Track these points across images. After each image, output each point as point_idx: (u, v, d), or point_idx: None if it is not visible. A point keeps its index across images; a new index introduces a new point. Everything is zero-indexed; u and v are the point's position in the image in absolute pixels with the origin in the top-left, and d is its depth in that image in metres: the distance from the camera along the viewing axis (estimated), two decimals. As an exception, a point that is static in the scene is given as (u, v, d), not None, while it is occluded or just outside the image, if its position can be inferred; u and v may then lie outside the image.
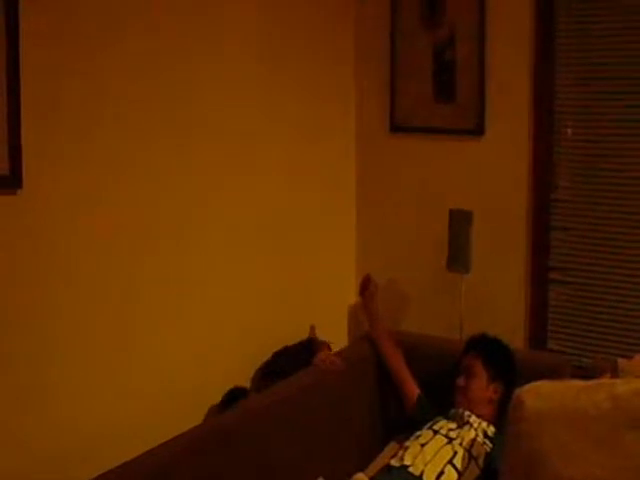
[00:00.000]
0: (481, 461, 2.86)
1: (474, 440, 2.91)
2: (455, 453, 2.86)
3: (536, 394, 2.61)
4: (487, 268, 3.63)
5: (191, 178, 2.96)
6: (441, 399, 3.19)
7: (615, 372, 2.89)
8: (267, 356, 3.28)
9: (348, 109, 3.96)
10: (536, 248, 3.62)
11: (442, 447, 2.88)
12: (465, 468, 2.83)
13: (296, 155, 3.55)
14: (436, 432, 2.96)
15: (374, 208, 3.97)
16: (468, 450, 2.87)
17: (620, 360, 3.01)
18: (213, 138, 3.06)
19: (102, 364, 2.61)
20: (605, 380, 2.67)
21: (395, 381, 3.33)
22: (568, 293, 3.61)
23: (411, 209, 3.88)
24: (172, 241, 2.89)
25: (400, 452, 2.93)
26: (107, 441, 2.59)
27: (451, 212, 3.54)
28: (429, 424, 3.04)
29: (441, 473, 2.80)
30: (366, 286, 3.52)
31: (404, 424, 3.23)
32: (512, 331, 3.58)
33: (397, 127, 3.89)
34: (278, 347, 3.33)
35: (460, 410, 3.05)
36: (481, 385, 3.09)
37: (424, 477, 2.78)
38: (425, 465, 2.81)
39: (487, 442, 2.93)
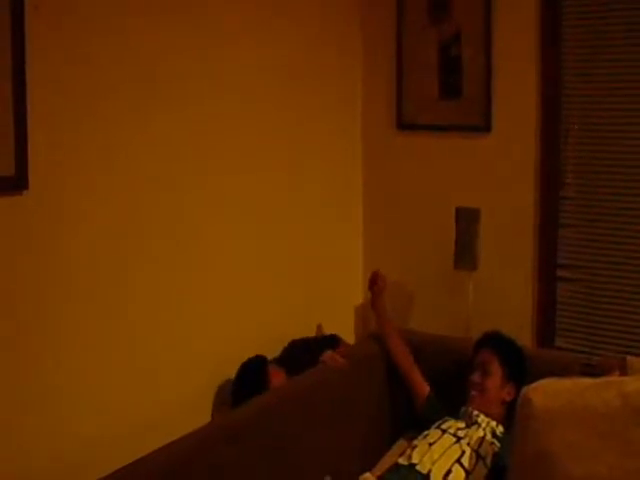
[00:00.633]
0: (489, 461, 2.85)
1: (482, 439, 2.90)
2: (463, 452, 2.85)
3: (544, 392, 2.60)
4: (494, 266, 3.62)
5: (197, 178, 2.96)
6: (450, 398, 3.18)
7: (624, 370, 2.88)
8: (274, 354, 3.27)
9: (355, 107, 3.95)
10: (544, 245, 3.61)
11: (450, 446, 2.87)
12: (473, 467, 2.82)
13: (302, 153, 3.55)
14: (444, 431, 2.96)
15: (381, 206, 3.96)
16: (476, 450, 2.86)
17: (629, 358, 2.99)
18: (218, 138, 3.06)
19: (108, 365, 2.62)
20: (614, 378, 2.66)
21: (404, 379, 3.32)
22: (576, 290, 3.60)
23: (418, 207, 3.87)
24: (178, 241, 2.89)
25: (408, 451, 2.93)
26: (112, 444, 2.59)
27: (458, 210, 3.53)
28: (437, 423, 3.04)
29: (449, 472, 2.80)
30: (375, 281, 3.51)
31: (413, 422, 3.23)
32: (520, 329, 3.56)
33: (404, 124, 3.88)
34: (285, 346, 3.33)
35: (469, 409, 3.04)
36: (496, 384, 3.07)
37: (431, 476, 2.78)
38: (433, 464, 2.81)
39: (495, 442, 2.92)
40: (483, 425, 2.96)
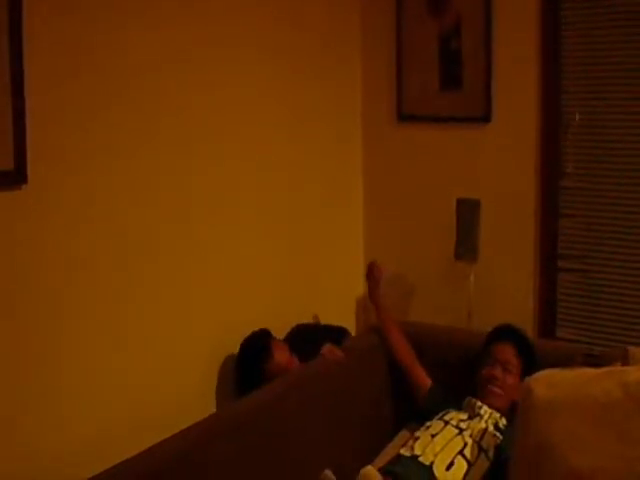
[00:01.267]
0: (491, 453, 2.85)
1: (485, 431, 2.90)
2: (465, 444, 2.85)
3: (546, 383, 2.60)
4: (495, 257, 3.62)
5: (196, 171, 2.96)
6: (450, 389, 3.18)
7: (626, 360, 2.87)
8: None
9: (355, 99, 3.95)
10: (544, 236, 3.61)
11: (452, 438, 2.86)
12: (475, 459, 2.82)
13: (303, 145, 3.55)
14: (447, 423, 2.95)
15: (381, 198, 3.96)
16: (478, 442, 2.86)
17: (631, 348, 2.99)
18: (219, 131, 3.06)
19: (110, 359, 2.62)
20: (615, 368, 2.65)
21: (405, 373, 3.32)
22: (577, 281, 3.60)
23: (418, 198, 3.87)
24: (178, 234, 2.88)
25: (410, 442, 2.92)
26: (111, 439, 2.59)
27: (459, 201, 3.53)
28: (440, 414, 3.03)
29: (451, 464, 2.79)
30: (371, 271, 3.51)
31: (415, 413, 3.23)
32: (521, 320, 3.55)
33: (404, 116, 3.88)
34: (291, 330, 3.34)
35: (473, 400, 3.04)
36: (516, 384, 3.01)
37: (434, 467, 2.77)
38: (435, 455, 2.80)
39: (498, 434, 2.91)
40: (486, 417, 2.96)
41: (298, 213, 3.52)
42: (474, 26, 3.65)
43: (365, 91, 3.96)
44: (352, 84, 3.93)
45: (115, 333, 2.63)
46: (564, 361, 2.92)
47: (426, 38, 3.77)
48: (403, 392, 3.34)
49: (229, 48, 3.09)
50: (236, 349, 3.10)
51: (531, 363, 3.04)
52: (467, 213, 3.51)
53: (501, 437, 2.90)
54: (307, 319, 3.54)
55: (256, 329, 3.12)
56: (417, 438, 2.91)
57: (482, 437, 2.88)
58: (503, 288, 3.65)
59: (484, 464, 2.83)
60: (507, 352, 3.10)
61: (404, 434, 3.22)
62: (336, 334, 3.42)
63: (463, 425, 2.91)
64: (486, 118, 3.66)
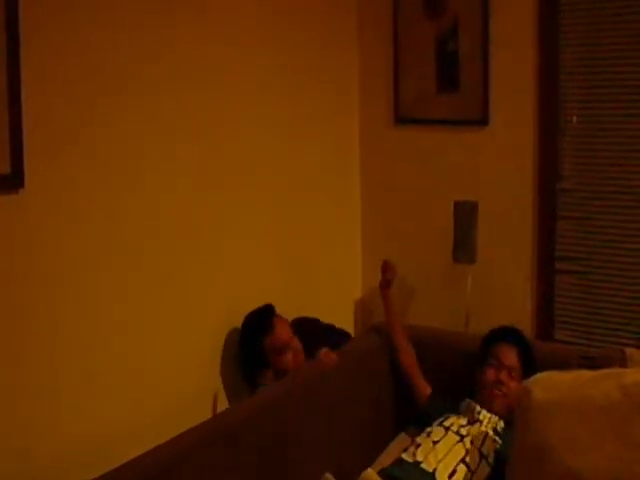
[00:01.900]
0: (491, 459, 2.84)
1: (485, 437, 2.89)
2: (467, 451, 2.83)
3: (544, 385, 2.61)
4: (493, 259, 3.62)
5: (198, 176, 2.97)
6: (448, 392, 3.18)
7: (623, 362, 2.88)
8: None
9: (352, 101, 3.95)
10: (542, 238, 3.61)
11: (454, 445, 2.85)
12: (477, 466, 2.81)
13: (300, 148, 3.55)
14: (447, 429, 2.93)
15: (379, 200, 3.96)
16: (479, 448, 2.85)
17: (628, 350, 3.00)
18: (217, 135, 3.06)
19: (109, 361, 2.62)
20: (614, 370, 2.66)
21: (406, 377, 3.30)
22: (575, 283, 3.60)
23: (416, 201, 3.87)
24: (175, 244, 2.88)
25: (411, 448, 2.91)
26: (114, 441, 2.59)
27: (456, 203, 3.53)
28: (439, 420, 3.01)
29: (453, 472, 2.77)
30: (384, 270, 3.45)
31: (414, 416, 3.22)
32: (519, 322, 3.55)
33: (401, 119, 3.88)
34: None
35: (472, 404, 3.03)
36: (517, 389, 2.99)
37: (437, 475, 2.76)
38: (438, 463, 2.79)
39: (497, 438, 2.91)
40: (485, 422, 2.95)
41: (296, 216, 3.52)
42: (471, 28, 3.65)
43: (362, 94, 3.96)
44: (349, 87, 3.93)
45: (114, 334, 2.63)
46: (562, 363, 2.91)
47: (423, 40, 3.77)
48: (403, 394, 3.33)
49: (228, 49, 3.09)
50: (233, 351, 3.11)
51: (530, 368, 3.01)
52: (465, 215, 3.51)
53: (500, 441, 2.89)
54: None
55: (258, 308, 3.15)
56: (419, 444, 2.90)
57: (483, 443, 2.87)
58: (501, 290, 3.65)
59: (485, 470, 2.83)
60: (513, 357, 3.08)
61: (403, 437, 3.22)
62: (338, 337, 3.43)
63: (463, 431, 2.90)
64: (483, 121, 3.66)
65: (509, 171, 3.65)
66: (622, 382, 2.53)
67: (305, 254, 3.58)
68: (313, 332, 3.32)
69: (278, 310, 3.17)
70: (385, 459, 3.08)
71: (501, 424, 2.97)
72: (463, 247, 3.52)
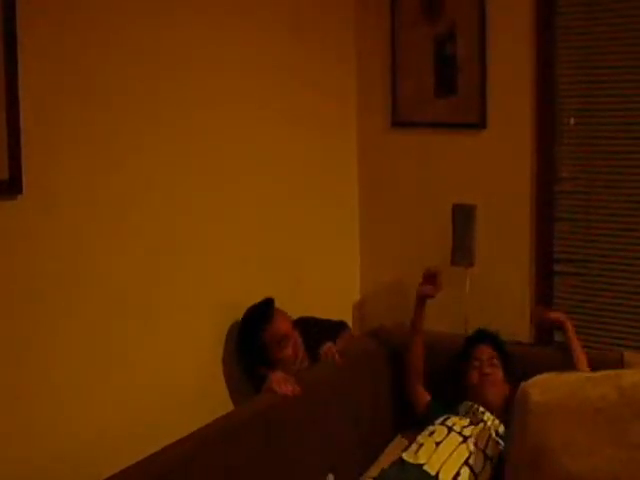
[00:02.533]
0: (495, 460, 2.83)
1: (489, 438, 2.87)
2: (471, 453, 2.81)
3: (541, 387, 2.62)
4: (491, 262, 3.62)
5: (196, 182, 2.96)
6: (446, 394, 3.18)
7: (621, 364, 2.89)
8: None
9: (349, 105, 3.95)
10: (540, 240, 3.62)
11: (457, 447, 2.83)
12: (481, 469, 2.79)
13: (297, 152, 3.55)
14: (450, 429, 2.91)
15: (377, 204, 3.97)
16: (483, 450, 2.83)
17: (626, 352, 3.01)
18: (214, 138, 3.06)
19: (108, 364, 2.62)
20: (611, 372, 2.66)
21: (409, 380, 3.30)
22: (573, 285, 3.61)
23: (414, 204, 3.87)
24: (174, 244, 2.88)
25: (413, 446, 2.88)
26: (114, 441, 2.59)
27: (454, 206, 3.54)
28: (441, 419, 2.99)
29: (457, 474, 2.75)
30: (432, 281, 3.33)
31: (410, 419, 3.22)
32: (517, 324, 3.58)
33: (399, 122, 3.88)
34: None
35: (475, 406, 3.03)
36: (503, 377, 3.11)
37: (440, 477, 2.73)
38: (441, 465, 2.76)
39: (500, 441, 2.90)
40: (489, 423, 2.94)
41: (294, 218, 3.52)
42: (469, 32, 3.65)
43: (360, 97, 3.96)
44: (347, 90, 3.93)
45: (113, 336, 2.63)
46: (560, 365, 2.92)
47: (421, 44, 3.78)
48: (401, 397, 3.33)
49: (227, 52, 3.10)
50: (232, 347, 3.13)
51: (508, 361, 3.14)
52: (463, 218, 3.51)
53: (502, 444, 2.88)
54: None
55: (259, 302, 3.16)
56: (421, 444, 2.87)
57: (486, 445, 2.85)
58: (499, 292, 3.66)
59: (488, 472, 2.81)
60: (489, 350, 3.15)
61: (400, 440, 3.21)
62: (334, 328, 3.43)
63: (466, 432, 2.88)
64: (481, 124, 3.67)
65: (507, 174, 3.65)
66: (620, 384, 2.54)
67: (304, 256, 3.58)
68: (313, 330, 3.31)
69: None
70: (384, 461, 3.07)
71: (502, 428, 2.96)
72: (461, 250, 3.52)
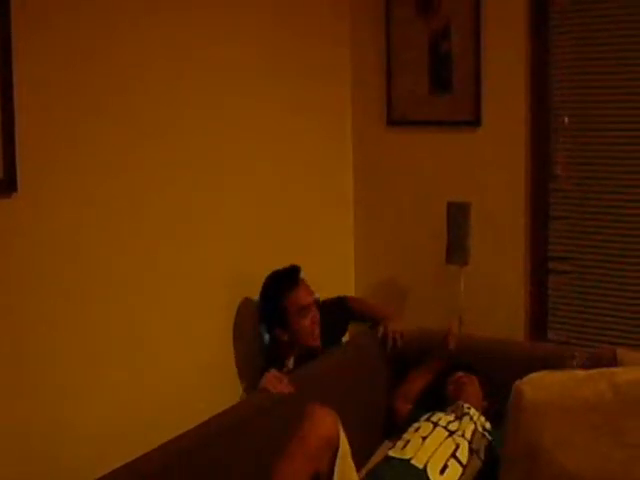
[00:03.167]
0: (482, 453, 2.84)
1: (474, 432, 2.89)
2: (457, 446, 2.83)
3: (536, 385, 2.62)
4: (486, 260, 3.63)
5: (189, 184, 2.97)
6: (438, 394, 3.19)
7: (615, 361, 2.89)
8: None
9: (344, 103, 3.96)
10: (535, 238, 3.63)
11: (444, 440, 2.84)
12: (468, 461, 2.80)
13: (293, 150, 3.56)
14: (435, 424, 2.91)
15: (372, 202, 3.97)
16: (469, 442, 2.85)
17: (619, 350, 3.01)
18: (210, 139, 3.06)
19: (106, 364, 2.63)
20: (606, 370, 2.67)
21: (394, 394, 3.32)
22: (568, 283, 3.62)
23: (409, 202, 3.88)
24: (169, 249, 2.89)
25: (400, 443, 2.87)
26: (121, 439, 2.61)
27: (449, 204, 3.54)
28: (426, 416, 3.00)
29: (445, 467, 2.75)
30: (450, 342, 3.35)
31: (396, 427, 3.21)
32: (512, 322, 3.59)
33: (394, 120, 3.89)
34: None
35: (460, 402, 3.04)
36: (478, 383, 3.16)
37: (428, 470, 2.71)
38: (428, 458, 2.76)
39: (486, 434, 2.91)
40: (475, 418, 2.96)
41: (288, 219, 3.52)
42: (464, 29, 3.66)
43: (355, 95, 3.97)
44: (342, 88, 3.93)
45: (113, 333, 2.64)
46: (555, 363, 2.93)
47: (416, 42, 3.78)
48: (385, 403, 3.32)
49: (222, 48, 3.10)
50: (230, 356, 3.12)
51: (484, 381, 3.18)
52: (458, 216, 3.51)
53: (489, 438, 2.90)
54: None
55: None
56: (407, 440, 2.86)
57: (472, 438, 2.87)
58: (494, 290, 3.66)
59: (476, 465, 2.82)
60: (462, 374, 3.18)
61: (387, 444, 3.16)
62: (337, 306, 3.46)
63: (452, 427, 2.89)
64: (476, 122, 3.67)
65: (502, 172, 3.66)
66: (614, 381, 2.55)
67: (299, 254, 3.57)
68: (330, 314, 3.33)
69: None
70: (372, 464, 3.02)
71: (487, 425, 2.97)
72: (456, 248, 3.52)
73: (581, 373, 2.72)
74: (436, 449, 2.79)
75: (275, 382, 2.87)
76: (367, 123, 3.95)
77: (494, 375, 3.14)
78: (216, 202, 3.11)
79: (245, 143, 3.25)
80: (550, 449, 2.51)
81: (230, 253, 3.19)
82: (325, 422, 2.31)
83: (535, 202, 3.61)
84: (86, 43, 2.51)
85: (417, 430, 2.91)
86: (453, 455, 2.79)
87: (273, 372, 2.93)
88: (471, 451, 2.83)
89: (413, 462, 2.74)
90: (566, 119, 3.56)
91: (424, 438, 2.84)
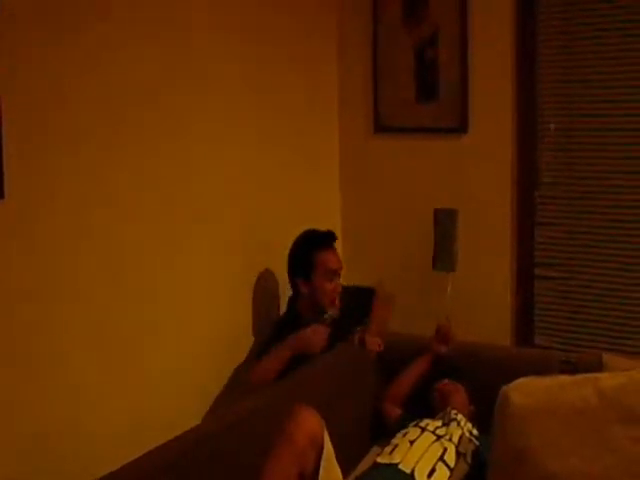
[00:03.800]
0: (469, 457, 2.85)
1: (462, 436, 2.90)
2: (445, 450, 2.83)
3: (522, 390, 2.62)
4: (473, 266, 3.64)
5: (180, 189, 2.97)
6: (426, 399, 3.19)
7: (600, 366, 2.91)
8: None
9: (331, 110, 3.97)
10: (521, 244, 3.65)
11: (431, 444, 2.84)
12: (455, 464, 2.81)
13: (280, 158, 3.56)
14: (423, 429, 2.92)
15: (359, 209, 3.98)
16: (457, 446, 2.85)
17: (605, 355, 3.03)
18: (196, 142, 3.06)
19: (100, 369, 2.63)
20: (591, 375, 2.68)
21: (384, 395, 3.32)
22: (554, 289, 3.64)
23: (396, 209, 3.89)
24: (159, 259, 2.88)
25: (387, 449, 2.87)
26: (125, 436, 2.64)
27: (436, 211, 3.54)
28: (415, 422, 3.00)
29: (433, 470, 2.75)
30: (445, 339, 3.36)
31: (385, 432, 3.21)
32: (499, 328, 3.60)
33: (381, 127, 3.90)
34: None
35: (448, 409, 3.04)
36: (464, 390, 3.17)
37: (416, 474, 2.71)
38: (416, 462, 2.76)
39: (473, 439, 2.92)
40: (462, 423, 2.97)
41: (275, 225, 3.52)
42: (450, 37, 3.68)
43: (342, 103, 3.98)
44: (329, 96, 3.94)
45: (106, 332, 2.64)
46: (541, 368, 2.94)
47: (402, 49, 3.80)
48: (374, 408, 3.32)
49: (210, 50, 3.10)
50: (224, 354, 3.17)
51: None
52: (445, 223, 3.52)
53: (477, 442, 2.91)
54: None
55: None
56: (395, 445, 2.87)
57: (460, 442, 2.88)
58: (481, 297, 3.68)
59: (464, 469, 2.82)
60: (445, 381, 3.20)
61: (376, 450, 3.16)
62: (365, 295, 3.53)
63: (440, 432, 2.89)
64: (463, 129, 3.69)
65: (489, 179, 3.68)
66: (599, 387, 2.56)
67: (283, 263, 3.58)
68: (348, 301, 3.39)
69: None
70: (360, 470, 3.02)
71: (475, 431, 2.98)
72: (443, 254, 3.52)
73: (567, 378, 2.73)
74: (424, 453, 2.79)
75: (316, 331, 3.10)
76: (354, 130, 3.96)
77: (481, 380, 3.15)
78: (203, 212, 3.11)
79: (228, 150, 3.24)
80: (536, 454, 2.52)
81: (217, 254, 3.19)
82: (310, 421, 2.33)
83: (521, 208, 3.63)
84: (71, 50, 2.49)
85: (405, 435, 2.92)
86: (441, 459, 2.79)
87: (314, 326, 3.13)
88: (459, 455, 2.84)
89: (401, 467, 2.73)
90: (552, 126, 3.59)
91: (412, 442, 2.84)
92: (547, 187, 3.62)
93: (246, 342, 3.37)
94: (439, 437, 2.87)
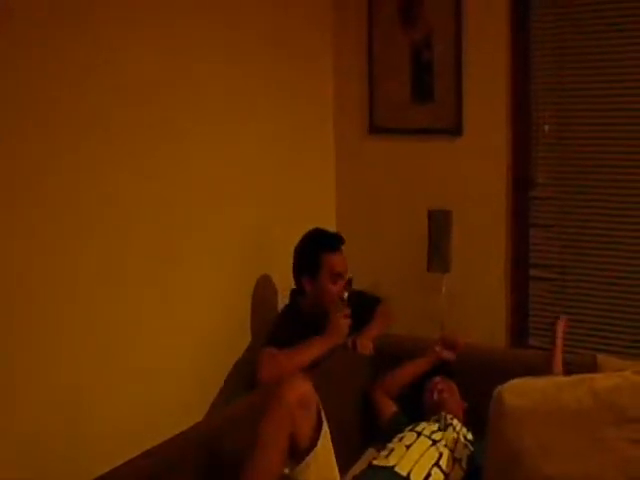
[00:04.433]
0: (464, 463, 2.85)
1: (457, 442, 2.90)
2: (440, 455, 2.83)
3: (516, 391, 2.63)
4: (467, 267, 3.65)
5: (179, 189, 2.97)
6: (418, 396, 3.20)
7: (594, 367, 2.92)
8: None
9: (326, 111, 3.97)
10: (516, 246, 3.65)
11: (427, 449, 2.84)
12: (450, 470, 2.81)
13: (274, 158, 3.55)
14: (419, 434, 2.92)
15: (354, 210, 3.98)
16: (452, 452, 2.85)
17: (599, 356, 3.04)
18: (194, 143, 3.05)
19: (100, 369, 2.62)
20: (586, 376, 2.69)
21: (379, 388, 3.31)
22: (549, 290, 3.64)
23: (391, 210, 3.89)
24: (158, 258, 2.88)
25: (384, 452, 2.88)
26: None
27: (430, 212, 3.55)
28: (411, 426, 3.00)
29: (428, 475, 2.75)
30: (452, 347, 3.34)
31: (379, 433, 3.21)
32: (493, 329, 3.60)
33: (376, 128, 3.90)
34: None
35: (443, 413, 3.04)
36: (457, 389, 3.19)
37: (411, 478, 2.72)
38: (412, 466, 2.76)
39: (469, 444, 2.92)
40: (457, 428, 2.97)
41: (269, 227, 3.52)
42: (445, 38, 3.68)
43: (337, 104, 3.98)
44: (324, 97, 3.94)
45: (98, 334, 2.62)
46: (536, 369, 2.94)
47: (398, 50, 3.80)
48: (370, 410, 3.31)
49: (208, 54, 3.10)
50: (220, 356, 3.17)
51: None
52: (439, 224, 3.52)
53: (472, 448, 2.91)
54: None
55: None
56: (392, 449, 2.87)
57: (455, 448, 2.88)
58: (476, 298, 3.68)
59: (458, 474, 2.83)
60: (437, 379, 3.21)
61: (371, 452, 3.16)
62: (369, 302, 3.52)
63: (436, 436, 2.89)
64: (458, 130, 3.69)
65: (483, 180, 3.68)
66: (593, 387, 2.57)
67: (281, 268, 3.57)
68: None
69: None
70: (356, 470, 3.03)
71: (469, 435, 2.98)
72: (438, 255, 3.53)
73: (561, 379, 2.74)
74: (420, 457, 2.80)
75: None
76: (349, 131, 3.96)
77: (475, 381, 3.15)
78: (201, 212, 3.11)
79: (225, 150, 3.24)
80: (531, 454, 2.52)
81: (215, 262, 3.20)
82: (300, 385, 2.40)
83: (516, 209, 3.63)
84: (56, 51, 2.46)
85: (401, 439, 2.92)
86: (436, 464, 2.79)
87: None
88: (454, 460, 2.84)
89: (397, 469, 2.74)
90: (547, 127, 3.59)
91: (408, 447, 2.84)
92: (541, 188, 3.62)
93: (244, 340, 3.36)
94: (435, 442, 2.87)
